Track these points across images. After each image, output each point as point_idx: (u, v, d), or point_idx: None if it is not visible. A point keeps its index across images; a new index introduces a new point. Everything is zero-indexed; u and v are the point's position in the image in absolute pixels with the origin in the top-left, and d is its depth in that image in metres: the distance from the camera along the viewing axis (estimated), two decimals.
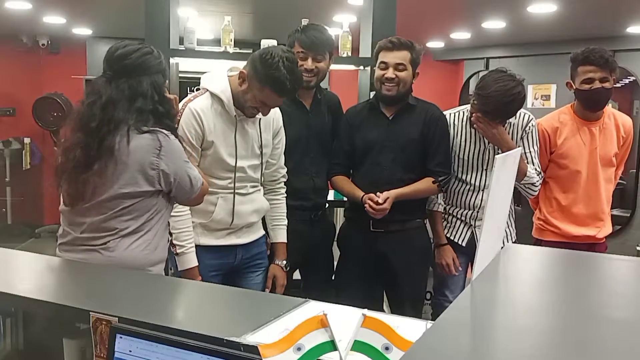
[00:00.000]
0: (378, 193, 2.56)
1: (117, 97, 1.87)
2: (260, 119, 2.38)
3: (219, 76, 2.34)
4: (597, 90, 2.74)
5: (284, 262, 2.55)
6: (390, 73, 2.58)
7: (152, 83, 1.91)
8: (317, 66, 2.62)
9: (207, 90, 2.31)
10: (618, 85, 6.20)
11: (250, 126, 2.37)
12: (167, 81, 2.03)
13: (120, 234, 1.89)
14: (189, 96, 2.32)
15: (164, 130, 1.90)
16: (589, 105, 2.83)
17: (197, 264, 2.25)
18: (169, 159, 1.89)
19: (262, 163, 2.43)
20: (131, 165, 1.85)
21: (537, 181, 2.74)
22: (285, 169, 2.57)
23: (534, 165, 2.74)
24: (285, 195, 2.59)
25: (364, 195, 2.59)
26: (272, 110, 2.42)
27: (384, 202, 2.54)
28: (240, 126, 2.33)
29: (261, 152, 2.41)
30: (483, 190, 2.75)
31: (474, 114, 2.66)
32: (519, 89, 2.55)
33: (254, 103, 2.25)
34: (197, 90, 2.38)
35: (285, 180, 2.59)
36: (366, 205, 2.56)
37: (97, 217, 1.88)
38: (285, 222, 2.58)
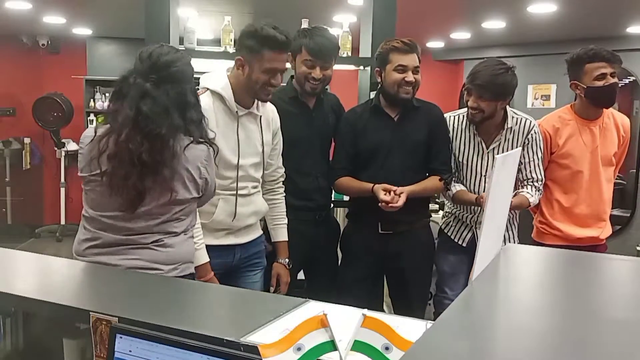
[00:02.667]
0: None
1: (169, 104, 1.87)
2: (260, 116, 2.39)
3: (217, 74, 2.35)
4: (611, 85, 2.75)
5: (287, 260, 2.56)
6: (410, 76, 2.57)
7: (193, 92, 1.96)
8: (324, 74, 2.61)
9: (208, 89, 2.31)
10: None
11: (252, 122, 2.37)
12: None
13: (172, 234, 1.94)
14: None
15: (207, 141, 1.97)
16: (601, 102, 2.81)
17: (208, 259, 2.26)
18: (210, 168, 1.98)
19: (263, 161, 2.43)
20: (185, 174, 1.90)
21: (539, 197, 2.77)
22: (283, 169, 2.57)
23: (537, 173, 2.75)
24: (284, 194, 2.59)
25: (374, 185, 2.54)
26: (270, 110, 2.44)
27: (400, 195, 2.50)
28: (241, 123, 2.33)
29: (262, 150, 2.41)
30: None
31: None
32: (508, 66, 2.63)
33: (263, 78, 2.24)
34: (197, 90, 2.39)
35: (283, 179, 2.59)
36: (380, 194, 2.50)
37: (150, 222, 1.89)
38: (286, 220, 2.58)
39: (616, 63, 2.76)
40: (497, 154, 2.71)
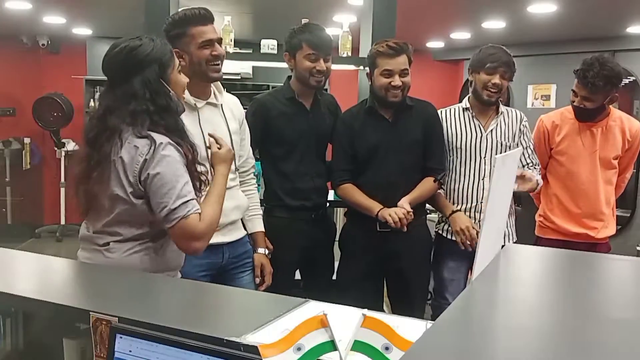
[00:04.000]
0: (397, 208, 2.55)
1: (114, 105, 1.84)
2: (221, 105, 2.36)
3: None
4: (575, 106, 2.85)
5: (266, 250, 2.54)
6: (397, 81, 2.58)
7: (143, 80, 1.83)
8: (327, 66, 2.62)
9: None
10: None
11: (214, 112, 2.34)
12: (172, 67, 1.91)
13: (120, 238, 1.86)
14: None
15: (159, 137, 1.79)
16: (575, 115, 2.91)
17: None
18: (155, 166, 1.76)
19: (233, 151, 2.39)
20: (120, 169, 1.79)
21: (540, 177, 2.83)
22: (254, 160, 2.55)
23: (534, 158, 2.84)
24: (257, 185, 2.58)
25: (380, 210, 2.57)
26: (230, 99, 2.44)
27: (406, 209, 2.54)
28: (202, 115, 2.29)
29: (231, 140, 2.36)
30: (482, 179, 2.77)
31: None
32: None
33: (204, 53, 2.22)
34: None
35: (254, 171, 2.56)
36: (388, 219, 2.53)
37: (102, 222, 1.87)
38: (260, 212, 2.57)
39: (591, 90, 2.75)
40: (496, 134, 2.79)
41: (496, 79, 2.71)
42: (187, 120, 2.24)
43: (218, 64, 2.26)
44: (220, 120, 2.35)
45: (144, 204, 1.82)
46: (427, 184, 2.68)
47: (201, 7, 2.23)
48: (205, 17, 2.24)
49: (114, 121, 1.82)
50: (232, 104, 2.44)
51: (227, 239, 2.38)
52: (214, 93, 2.36)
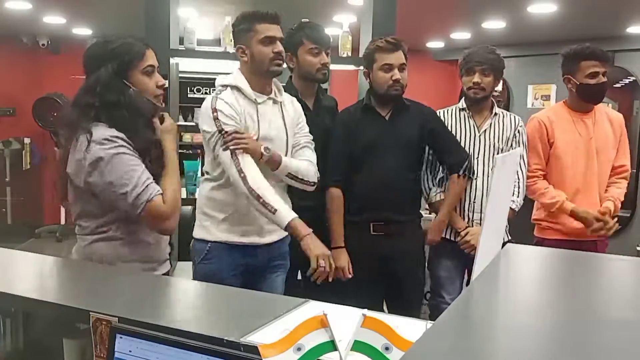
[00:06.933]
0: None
1: (76, 98, 1.92)
2: (281, 102, 2.38)
3: (231, 74, 2.36)
4: (602, 84, 2.87)
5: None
6: (397, 74, 2.59)
7: (99, 75, 1.87)
8: (328, 60, 2.64)
9: (227, 85, 2.31)
10: (618, 85, 6.22)
11: (274, 108, 2.36)
12: (135, 68, 1.89)
13: (84, 232, 1.90)
14: (214, 94, 2.31)
15: (101, 132, 1.79)
16: (590, 99, 2.93)
17: (295, 215, 2.19)
18: (101, 168, 1.78)
19: (287, 148, 2.39)
20: (69, 165, 1.85)
21: (522, 198, 2.80)
22: (310, 137, 2.47)
23: (521, 171, 2.82)
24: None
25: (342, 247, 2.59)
26: (288, 98, 2.45)
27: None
28: (261, 110, 2.32)
29: (286, 136, 2.37)
30: (475, 179, 2.78)
31: None
32: (494, 48, 2.85)
33: (265, 50, 2.26)
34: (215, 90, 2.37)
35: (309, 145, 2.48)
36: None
37: (76, 211, 1.93)
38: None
39: (608, 62, 2.89)
40: (489, 135, 2.81)
41: (475, 78, 2.74)
42: (249, 114, 2.28)
43: (280, 60, 2.32)
44: (278, 115, 2.37)
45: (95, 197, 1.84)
46: (452, 186, 2.73)
47: (271, 9, 2.30)
48: (273, 17, 2.30)
49: (72, 114, 1.88)
50: (291, 101, 2.47)
51: (265, 240, 2.35)
52: (275, 92, 2.39)
